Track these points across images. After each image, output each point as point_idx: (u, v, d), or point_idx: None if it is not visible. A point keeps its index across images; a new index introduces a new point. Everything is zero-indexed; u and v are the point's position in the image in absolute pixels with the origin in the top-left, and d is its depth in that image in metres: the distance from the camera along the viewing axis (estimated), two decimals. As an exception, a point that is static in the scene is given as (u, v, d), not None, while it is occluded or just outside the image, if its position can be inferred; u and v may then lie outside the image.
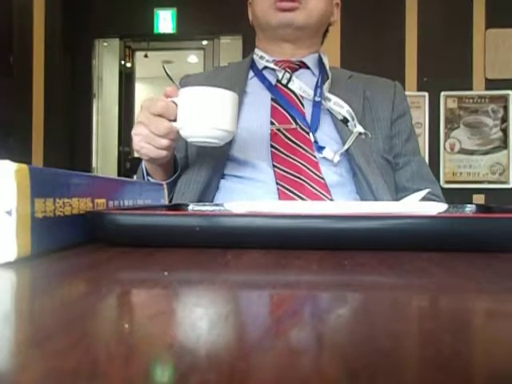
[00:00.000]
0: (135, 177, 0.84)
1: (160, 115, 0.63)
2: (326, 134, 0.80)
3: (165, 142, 0.64)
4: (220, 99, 0.62)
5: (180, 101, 0.63)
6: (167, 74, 0.76)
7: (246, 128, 0.79)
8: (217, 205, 0.52)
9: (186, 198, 0.75)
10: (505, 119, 2.87)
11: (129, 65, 3.54)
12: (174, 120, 0.63)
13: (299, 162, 0.76)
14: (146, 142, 0.64)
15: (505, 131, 2.87)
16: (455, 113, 2.90)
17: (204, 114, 0.62)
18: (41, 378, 0.11)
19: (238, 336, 0.14)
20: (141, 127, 0.64)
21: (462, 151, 2.90)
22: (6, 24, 2.63)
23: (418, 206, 0.45)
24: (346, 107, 0.80)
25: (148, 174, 0.75)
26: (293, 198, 0.73)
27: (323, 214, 0.32)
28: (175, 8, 3.20)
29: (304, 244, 0.32)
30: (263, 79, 0.86)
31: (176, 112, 0.63)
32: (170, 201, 0.76)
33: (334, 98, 0.81)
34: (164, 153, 0.66)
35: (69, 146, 3.24)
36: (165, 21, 3.22)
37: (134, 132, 0.66)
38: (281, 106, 0.81)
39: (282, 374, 0.11)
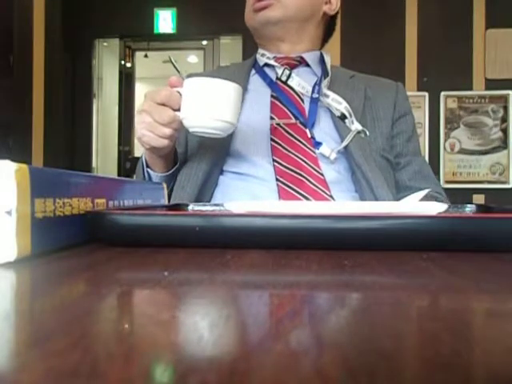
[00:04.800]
0: (135, 176, 0.84)
1: (163, 104, 0.63)
2: (323, 130, 0.80)
3: (167, 130, 0.64)
4: (224, 90, 0.62)
5: (184, 91, 0.63)
6: (173, 65, 0.76)
7: (246, 123, 0.79)
8: (217, 205, 0.52)
9: (186, 191, 0.75)
10: (505, 119, 2.87)
11: (129, 65, 3.55)
12: (178, 110, 0.64)
13: (299, 157, 0.76)
14: (149, 130, 0.65)
15: (505, 131, 2.87)
16: (455, 113, 2.90)
17: (207, 104, 0.62)
18: (41, 378, 0.11)
19: (238, 336, 0.14)
20: (144, 115, 0.64)
21: (462, 151, 2.90)
22: (6, 24, 2.63)
23: (418, 205, 0.45)
24: (344, 104, 0.80)
25: (148, 166, 0.75)
26: (293, 195, 0.73)
27: (323, 214, 0.32)
28: (175, 8, 3.20)
29: (304, 244, 0.32)
30: (264, 76, 0.86)
31: (180, 102, 0.63)
32: (170, 193, 0.77)
33: (332, 95, 0.81)
34: (166, 142, 0.66)
35: (69, 146, 3.24)
36: (165, 21, 3.23)
37: (136, 120, 0.66)
38: (280, 103, 0.81)
39: (282, 374, 0.11)
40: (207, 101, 0.62)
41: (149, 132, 0.65)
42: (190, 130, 0.65)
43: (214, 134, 0.65)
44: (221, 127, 0.63)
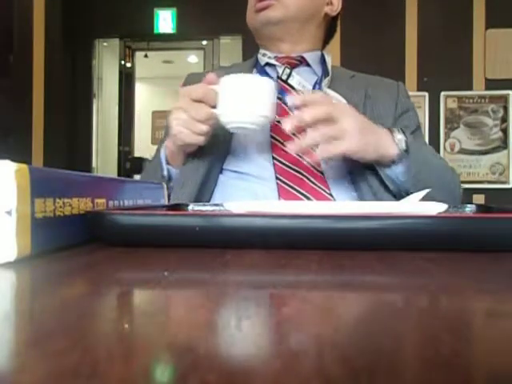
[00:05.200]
0: (136, 177, 0.85)
1: (199, 101, 0.65)
2: None
3: (204, 127, 0.66)
4: (260, 86, 0.65)
5: (221, 88, 0.65)
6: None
7: None
8: (217, 205, 0.52)
9: (186, 189, 0.75)
10: (505, 119, 2.87)
11: (129, 65, 3.55)
12: (213, 107, 0.65)
13: (299, 155, 0.77)
14: (185, 127, 0.66)
15: (505, 131, 2.87)
16: (455, 113, 2.90)
17: (245, 100, 0.64)
18: (41, 378, 0.11)
19: (238, 336, 0.14)
20: (180, 112, 0.66)
21: (462, 151, 2.90)
22: (6, 24, 2.64)
23: (417, 205, 0.45)
24: (344, 102, 0.80)
25: (167, 163, 0.76)
26: (293, 194, 0.73)
27: (323, 214, 0.32)
28: (175, 8, 3.20)
29: (304, 244, 0.32)
30: (265, 75, 0.86)
31: (216, 99, 0.65)
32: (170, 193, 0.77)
33: (331, 93, 0.82)
34: (202, 138, 0.67)
35: (69, 146, 3.24)
36: (165, 21, 3.23)
37: (172, 117, 0.67)
38: (281, 101, 0.82)
39: (283, 374, 0.11)
40: (244, 97, 0.64)
41: (185, 129, 0.66)
42: (227, 125, 0.67)
43: (250, 128, 0.66)
44: (258, 122, 0.65)
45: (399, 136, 0.70)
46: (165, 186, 0.60)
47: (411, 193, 0.66)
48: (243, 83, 0.65)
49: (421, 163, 0.71)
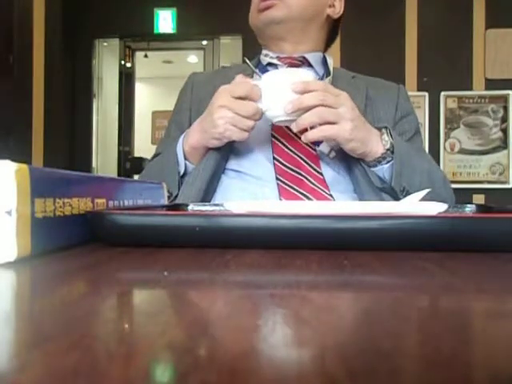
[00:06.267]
0: (135, 177, 0.85)
1: (245, 97, 0.66)
2: None
3: (251, 123, 0.67)
4: (304, 80, 0.67)
5: (265, 84, 0.67)
6: (247, 63, 0.79)
7: None
8: (217, 205, 0.52)
9: (194, 187, 0.75)
10: (505, 119, 2.87)
11: (129, 65, 3.54)
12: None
13: (299, 156, 0.77)
14: (231, 124, 0.67)
15: (505, 131, 2.87)
16: (455, 113, 2.90)
17: (291, 94, 0.65)
18: (41, 378, 0.11)
19: (238, 336, 0.14)
20: (224, 110, 0.67)
21: (462, 151, 2.90)
22: (6, 24, 2.63)
23: (417, 205, 0.45)
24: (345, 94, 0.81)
25: (185, 159, 0.76)
26: (294, 194, 0.73)
27: (323, 214, 0.32)
28: (175, 8, 3.20)
29: (304, 244, 0.32)
30: None
31: (260, 94, 0.67)
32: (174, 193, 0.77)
33: None
34: (247, 134, 0.69)
35: (69, 146, 3.24)
36: (165, 21, 3.22)
37: (217, 116, 0.68)
38: None
39: (283, 374, 0.11)
40: (288, 91, 0.65)
41: (232, 126, 0.67)
42: (274, 120, 0.68)
43: (295, 120, 0.68)
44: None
45: (386, 137, 0.73)
46: (165, 185, 0.60)
47: (410, 193, 0.66)
48: (287, 78, 0.66)
49: (405, 165, 0.72)
